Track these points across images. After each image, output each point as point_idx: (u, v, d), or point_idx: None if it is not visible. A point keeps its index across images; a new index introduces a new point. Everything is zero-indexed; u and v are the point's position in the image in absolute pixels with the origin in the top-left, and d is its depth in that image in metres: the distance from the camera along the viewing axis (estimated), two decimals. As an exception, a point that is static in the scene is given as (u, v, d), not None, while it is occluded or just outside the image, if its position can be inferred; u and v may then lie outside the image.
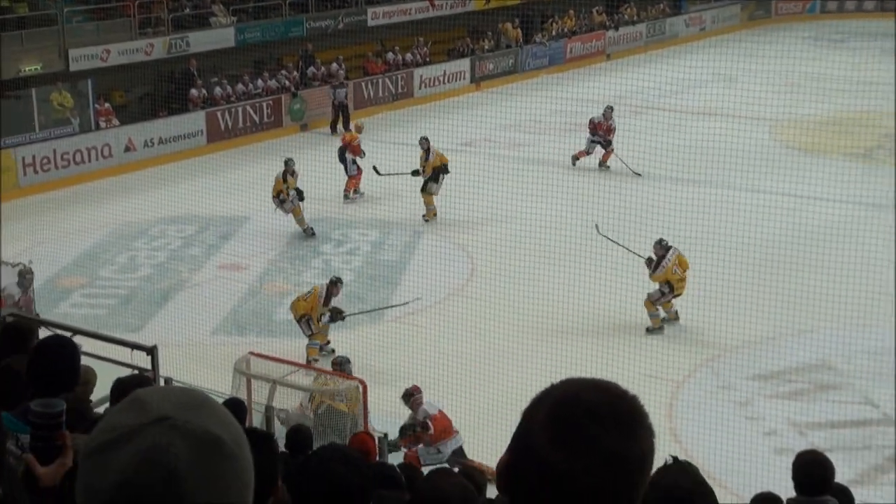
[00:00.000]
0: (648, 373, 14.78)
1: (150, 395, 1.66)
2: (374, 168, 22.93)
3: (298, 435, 8.86)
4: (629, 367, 14.78)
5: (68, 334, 11.93)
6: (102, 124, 27.46)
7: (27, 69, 26.53)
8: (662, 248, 17.18)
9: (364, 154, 23.57)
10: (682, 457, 12.01)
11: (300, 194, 21.20)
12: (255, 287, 19.36)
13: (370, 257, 20.81)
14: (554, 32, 40.34)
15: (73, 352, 5.02)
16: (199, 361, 14.87)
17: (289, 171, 21.39)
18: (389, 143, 25.88)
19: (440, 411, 13.05)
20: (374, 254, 20.99)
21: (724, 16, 46.80)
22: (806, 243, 18.02)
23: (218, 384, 13.29)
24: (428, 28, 36.03)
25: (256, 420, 12.10)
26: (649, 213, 20.18)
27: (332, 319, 16.64)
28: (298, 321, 16.53)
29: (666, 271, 16.97)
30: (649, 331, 16.85)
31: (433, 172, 22.35)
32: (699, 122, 26.55)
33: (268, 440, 4.32)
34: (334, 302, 16.77)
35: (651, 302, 17.03)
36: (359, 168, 23.58)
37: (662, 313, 17.11)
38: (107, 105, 27.89)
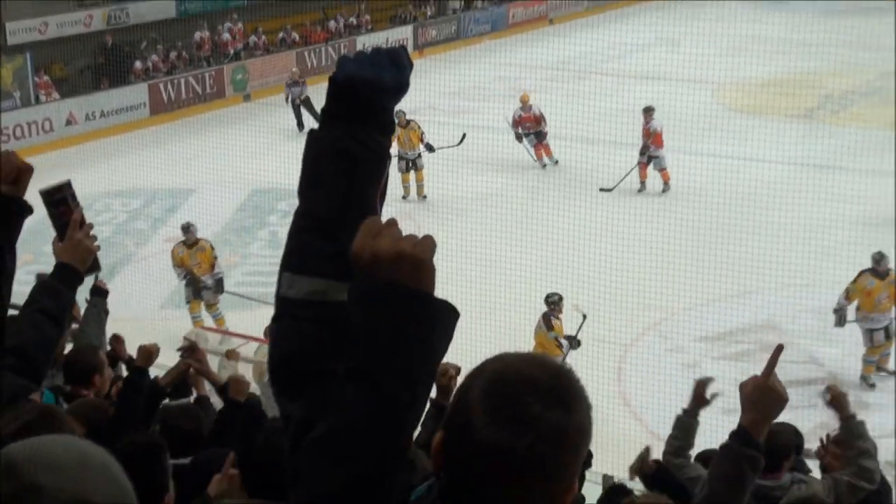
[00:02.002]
0: (597, 336, 14.89)
1: (21, 456, 1.56)
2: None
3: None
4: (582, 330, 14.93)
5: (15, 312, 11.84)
6: (42, 98, 27.17)
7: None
8: None
9: None
10: (630, 418, 12.12)
11: None
12: (203, 259, 19.26)
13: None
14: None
15: None
16: (148, 336, 14.72)
17: None
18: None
19: None
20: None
21: (666, -22, 46.90)
22: (749, 205, 18.22)
23: (166, 358, 13.26)
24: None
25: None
26: (593, 177, 20.28)
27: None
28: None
29: None
30: None
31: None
32: (642, 85, 26.70)
33: (153, 455, 4.24)
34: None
35: None
36: None
37: None
38: (46, 78, 27.57)
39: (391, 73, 1.93)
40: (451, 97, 28.75)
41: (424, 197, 21.75)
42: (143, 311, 16.73)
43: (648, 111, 21.74)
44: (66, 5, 28.87)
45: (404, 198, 21.34)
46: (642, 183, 21.56)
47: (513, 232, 19.23)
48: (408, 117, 21.37)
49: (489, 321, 14.69)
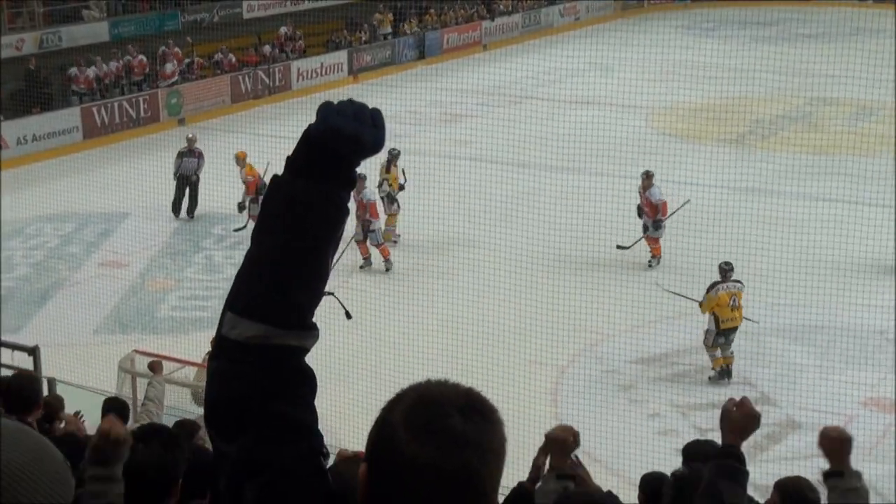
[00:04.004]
0: (532, 358, 14.99)
1: None
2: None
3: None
4: (512, 353, 15.01)
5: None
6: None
7: None
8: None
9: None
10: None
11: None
12: (138, 284, 19.13)
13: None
14: (430, 25, 40.47)
15: None
16: (83, 361, 14.66)
17: None
18: (267, 136, 25.73)
19: None
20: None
21: (598, 5, 47.38)
22: (682, 228, 18.39)
23: (102, 383, 13.17)
24: (304, 20, 35.95)
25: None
26: (528, 201, 20.41)
27: None
28: None
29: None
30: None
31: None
32: (576, 110, 26.91)
33: (171, 438, 4.33)
34: None
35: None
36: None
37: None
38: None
39: (371, 131, 1.94)
40: (385, 121, 28.77)
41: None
42: (77, 336, 16.57)
43: (649, 176, 19.38)
44: (-4, 29, 28.61)
45: None
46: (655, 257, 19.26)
47: (446, 252, 19.32)
48: None
49: (440, 338, 14.75)
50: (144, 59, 31.06)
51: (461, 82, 32.52)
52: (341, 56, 36.50)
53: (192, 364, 13.74)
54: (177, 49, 31.74)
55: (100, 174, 23.83)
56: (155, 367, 9.79)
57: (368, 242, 19.25)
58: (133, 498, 3.96)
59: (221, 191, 21.62)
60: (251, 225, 20.48)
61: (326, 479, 1.89)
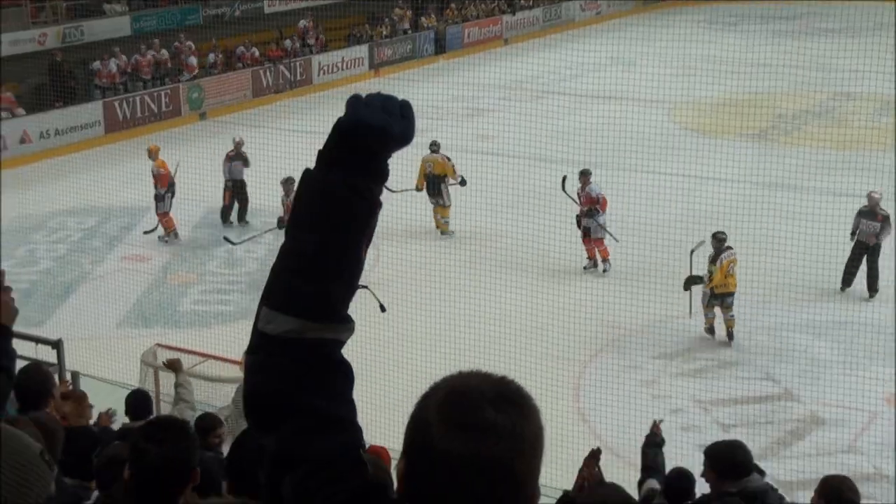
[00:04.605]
0: (554, 353, 14.98)
1: None
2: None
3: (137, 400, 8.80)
4: (534, 348, 14.99)
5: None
6: (4, 114, 26.99)
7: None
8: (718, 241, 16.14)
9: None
10: (588, 436, 12.19)
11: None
12: (160, 278, 19.20)
13: (273, 246, 20.71)
14: (451, 19, 40.48)
15: None
16: (106, 355, 14.72)
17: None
18: (289, 130, 25.75)
19: None
20: (277, 242, 20.77)
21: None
22: (705, 223, 18.33)
23: (125, 377, 13.22)
24: (326, 15, 36.00)
25: (165, 411, 12.02)
26: (549, 197, 20.35)
27: None
28: None
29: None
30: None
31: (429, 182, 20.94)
32: (597, 105, 26.88)
33: (181, 429, 4.36)
34: None
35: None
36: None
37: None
38: (9, 94, 27.38)
39: (399, 123, 1.92)
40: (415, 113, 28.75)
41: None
42: (99, 330, 16.63)
43: (585, 174, 19.30)
44: (19, 23, 28.72)
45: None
46: (590, 260, 19.03)
47: (469, 247, 19.32)
48: None
49: (461, 334, 14.76)
50: (167, 53, 31.14)
51: (482, 77, 32.46)
52: (362, 50, 36.54)
53: (215, 357, 13.78)
54: (189, 43, 31.80)
55: (121, 168, 23.88)
56: (175, 366, 9.79)
57: None
58: (150, 492, 4.01)
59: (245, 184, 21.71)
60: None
61: (365, 471, 1.90)
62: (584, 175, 19.17)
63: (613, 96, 26.64)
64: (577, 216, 18.92)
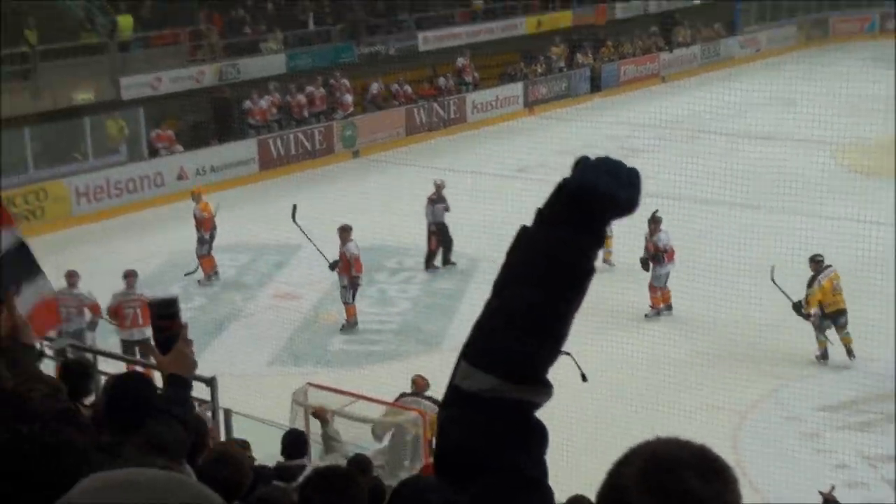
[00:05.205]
0: (711, 403, 14.68)
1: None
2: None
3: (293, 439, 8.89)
4: (691, 397, 14.72)
5: (123, 364, 12.03)
6: (163, 152, 27.74)
7: (80, 98, 26.82)
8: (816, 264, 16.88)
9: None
10: (747, 489, 11.85)
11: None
12: (311, 317, 19.41)
13: (426, 286, 20.82)
14: (607, 56, 40.39)
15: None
16: (257, 393, 14.91)
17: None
18: (442, 169, 25.92)
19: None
20: (430, 282, 20.99)
21: (781, 36, 46.64)
22: (871, 269, 17.83)
23: (277, 415, 13.34)
24: (479, 52, 36.23)
25: (315, 452, 12.11)
26: (707, 239, 20.05)
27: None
28: None
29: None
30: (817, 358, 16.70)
31: None
32: (757, 146, 26.44)
33: (348, 479, 4.38)
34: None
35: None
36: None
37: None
38: (169, 132, 28.16)
39: (627, 190, 1.91)
40: (561, 155, 28.63)
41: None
42: (250, 368, 16.87)
43: (656, 220, 19.09)
44: (178, 61, 29.51)
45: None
46: (653, 309, 18.95)
47: (624, 288, 19.09)
48: None
49: (616, 379, 14.58)
50: (323, 91, 31.67)
51: (637, 115, 32.24)
52: (517, 88, 36.65)
53: (365, 398, 13.83)
54: (345, 81, 32.27)
55: (274, 205, 24.24)
56: (322, 417, 9.86)
57: (344, 300, 18.93)
58: None
59: (396, 225, 21.86)
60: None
61: None
62: (655, 221, 19.03)
63: (773, 136, 26.23)
64: (641, 259, 18.96)
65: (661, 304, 18.71)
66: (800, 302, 16.30)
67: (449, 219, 21.59)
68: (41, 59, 26.27)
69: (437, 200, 21.63)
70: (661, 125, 31.40)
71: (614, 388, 14.57)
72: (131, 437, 4.05)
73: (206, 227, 21.21)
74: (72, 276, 16.98)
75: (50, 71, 26.42)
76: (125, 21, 28.37)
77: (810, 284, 16.24)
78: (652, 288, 18.54)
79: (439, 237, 21.58)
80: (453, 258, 21.57)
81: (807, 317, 16.55)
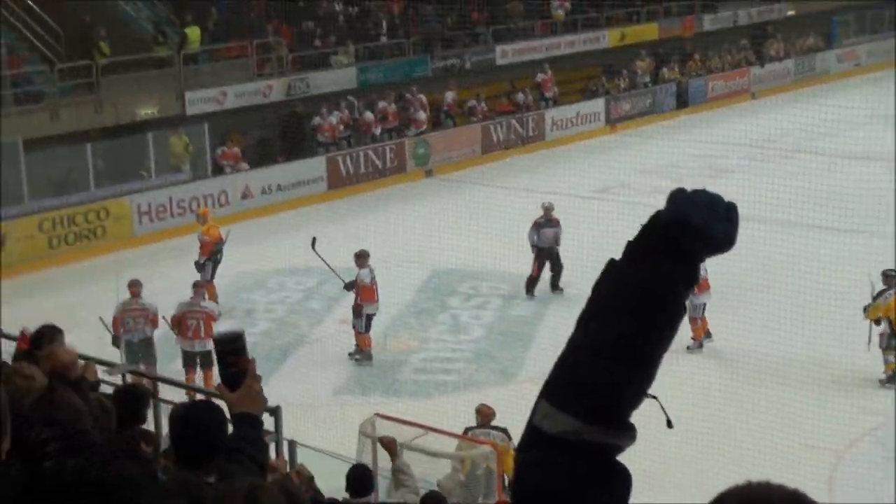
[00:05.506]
0: (806, 442, 14.48)
1: None
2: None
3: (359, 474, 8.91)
4: (785, 435, 14.53)
5: (183, 392, 12.10)
6: (228, 169, 27.96)
7: (144, 113, 27.12)
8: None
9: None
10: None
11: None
12: (380, 343, 19.40)
13: (501, 312, 20.77)
14: (694, 71, 40.17)
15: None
16: (323, 423, 14.94)
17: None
18: (519, 189, 25.91)
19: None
20: (506, 308, 20.94)
21: (882, 49, 46.04)
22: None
23: (342, 447, 13.35)
24: (560, 66, 36.19)
25: (383, 487, 12.10)
26: (800, 265, 19.83)
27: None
28: None
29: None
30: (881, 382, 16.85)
31: None
32: (856, 166, 26.12)
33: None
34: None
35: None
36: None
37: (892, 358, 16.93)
38: (235, 149, 28.36)
39: (724, 226, 1.89)
40: (644, 175, 28.59)
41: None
42: (315, 396, 16.90)
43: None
44: (244, 75, 29.74)
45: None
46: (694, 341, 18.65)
47: (711, 318, 18.93)
48: None
49: (705, 413, 14.44)
50: (394, 107, 31.76)
51: (726, 134, 31.99)
52: (598, 104, 36.56)
53: (436, 431, 13.79)
54: (421, 96, 32.35)
55: (343, 226, 24.33)
56: (391, 449, 9.84)
57: (355, 328, 18.91)
58: None
59: (471, 247, 21.83)
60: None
61: None
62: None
63: (873, 156, 25.85)
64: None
65: (701, 335, 18.56)
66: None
67: (556, 240, 21.46)
68: (103, 72, 26.59)
69: (543, 224, 21.44)
70: (752, 144, 31.18)
71: (693, 427, 14.40)
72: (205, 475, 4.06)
73: (203, 252, 21.05)
74: (134, 286, 17.26)
75: (113, 85, 26.74)
76: (193, 33, 28.65)
77: (877, 297, 16.58)
78: (692, 319, 18.37)
79: (543, 262, 21.38)
80: (562, 284, 21.35)
81: (877, 322, 16.88)
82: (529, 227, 21.53)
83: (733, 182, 26.51)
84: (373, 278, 18.86)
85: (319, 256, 19.27)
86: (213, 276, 21.10)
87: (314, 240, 19.45)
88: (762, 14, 44.43)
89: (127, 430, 6.03)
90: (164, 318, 17.58)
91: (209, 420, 4.66)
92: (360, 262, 18.91)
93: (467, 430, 13.87)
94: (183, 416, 4.93)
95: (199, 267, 20.97)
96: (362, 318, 18.77)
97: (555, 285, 21.43)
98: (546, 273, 21.31)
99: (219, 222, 25.63)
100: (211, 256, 21.11)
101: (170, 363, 17.55)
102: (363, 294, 18.70)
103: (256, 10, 31.36)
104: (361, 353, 18.84)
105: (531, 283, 21.49)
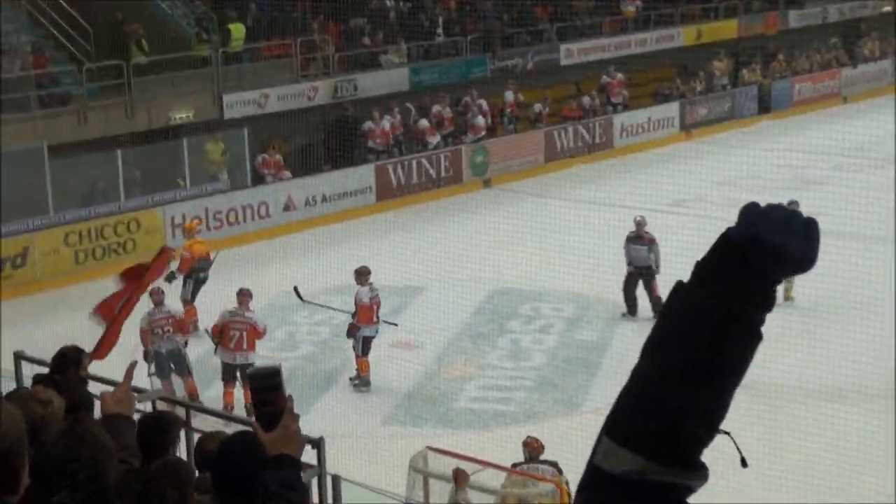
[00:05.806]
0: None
1: None
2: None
3: None
4: (875, 473, 14.39)
5: (221, 421, 12.15)
6: (269, 178, 28.03)
7: (178, 117, 27.25)
8: None
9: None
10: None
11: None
12: (433, 369, 19.42)
13: (565, 336, 20.72)
14: (778, 72, 39.96)
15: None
16: (370, 456, 14.96)
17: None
18: (584, 202, 25.85)
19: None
20: (570, 332, 20.88)
21: None
22: None
23: (391, 483, 13.38)
24: (630, 67, 36.09)
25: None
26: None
27: None
28: None
29: None
30: None
31: None
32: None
33: None
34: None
35: None
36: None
37: None
38: (277, 157, 28.42)
39: (801, 244, 1.87)
40: (722, 187, 28.46)
41: None
42: (363, 428, 16.92)
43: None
44: (288, 76, 29.79)
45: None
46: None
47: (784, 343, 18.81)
48: None
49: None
50: (451, 111, 31.75)
51: (814, 141, 31.81)
52: (672, 109, 36.45)
53: (493, 466, 13.79)
54: (482, 101, 32.33)
55: (393, 241, 24.37)
56: (460, 478, 9.84)
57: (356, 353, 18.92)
58: None
59: (534, 265, 21.79)
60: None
61: None
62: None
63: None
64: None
65: None
66: None
67: (602, 260, 21.48)
68: (135, 73, 26.74)
69: (634, 239, 21.29)
70: (842, 153, 30.94)
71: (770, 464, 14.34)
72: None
73: (182, 268, 20.70)
74: (156, 295, 17.43)
75: (145, 86, 26.88)
76: (237, 30, 28.67)
77: None
78: None
79: (633, 281, 21.15)
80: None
81: None
82: (623, 243, 21.37)
83: (821, 195, 26.45)
84: (372, 298, 18.87)
85: (311, 302, 19.49)
86: (193, 297, 21.05)
87: (296, 289, 19.75)
88: (855, 10, 44.14)
89: (152, 465, 6.04)
90: (206, 329, 17.80)
91: (250, 453, 4.64)
92: (360, 280, 18.97)
93: (514, 465, 13.83)
94: (223, 451, 4.96)
95: (170, 277, 19.39)
96: (359, 341, 18.78)
97: (655, 305, 20.46)
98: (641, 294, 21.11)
99: (259, 235, 25.84)
100: (191, 275, 20.96)
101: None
102: (360, 315, 18.74)
103: (300, 5, 31.39)
104: (360, 379, 18.87)
105: (628, 300, 21.18)
